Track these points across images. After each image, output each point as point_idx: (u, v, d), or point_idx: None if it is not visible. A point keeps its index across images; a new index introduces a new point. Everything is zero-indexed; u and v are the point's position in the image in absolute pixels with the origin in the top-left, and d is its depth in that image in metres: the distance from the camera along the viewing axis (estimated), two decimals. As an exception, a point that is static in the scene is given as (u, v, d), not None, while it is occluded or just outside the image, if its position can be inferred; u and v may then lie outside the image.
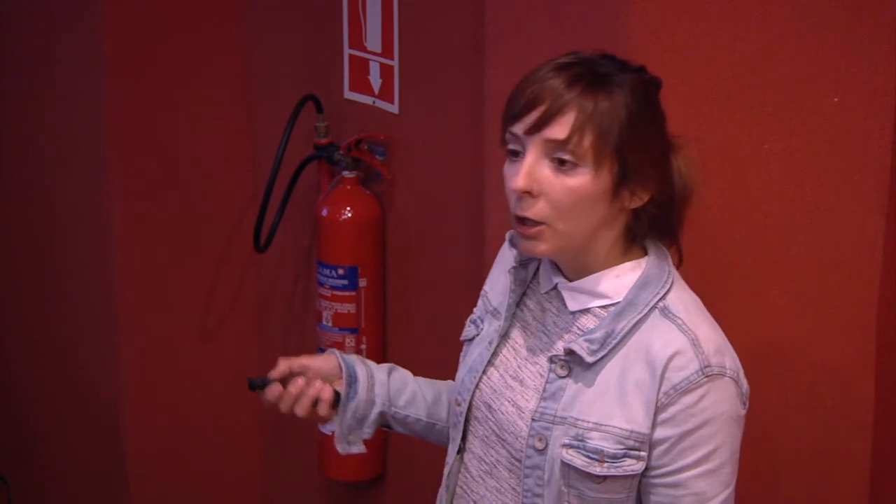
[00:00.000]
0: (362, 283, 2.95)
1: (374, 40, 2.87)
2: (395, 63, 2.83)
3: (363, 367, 2.11)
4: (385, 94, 2.87)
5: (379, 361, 3.00)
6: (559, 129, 1.81)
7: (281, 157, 2.96)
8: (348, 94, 2.96)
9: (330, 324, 2.97)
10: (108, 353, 3.30)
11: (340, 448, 2.10)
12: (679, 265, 1.94)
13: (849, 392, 2.32)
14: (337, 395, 2.06)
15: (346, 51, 2.94)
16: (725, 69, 2.19)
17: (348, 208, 2.93)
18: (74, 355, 3.48)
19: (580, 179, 1.82)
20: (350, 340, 2.97)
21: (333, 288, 2.95)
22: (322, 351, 2.98)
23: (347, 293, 2.95)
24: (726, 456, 1.85)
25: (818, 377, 2.32)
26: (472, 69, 2.58)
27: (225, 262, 3.29)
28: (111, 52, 3.07)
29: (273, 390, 2.04)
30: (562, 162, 1.81)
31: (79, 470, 3.56)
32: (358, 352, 2.96)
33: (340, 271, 2.94)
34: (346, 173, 2.95)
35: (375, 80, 2.88)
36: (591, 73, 1.83)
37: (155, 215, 3.19)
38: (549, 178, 1.82)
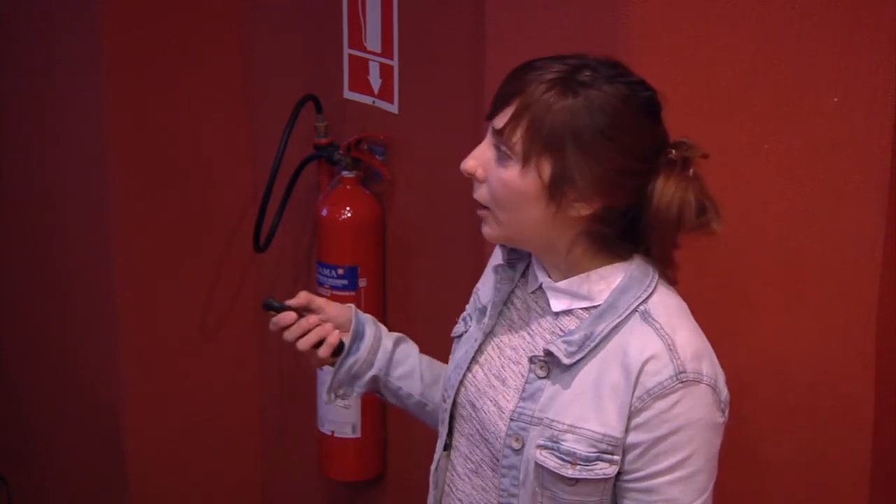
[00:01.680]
0: (362, 283, 2.95)
1: (373, 40, 2.87)
2: (394, 63, 2.83)
3: (373, 328, 2.13)
4: (385, 93, 2.87)
5: (379, 361, 3.02)
6: (500, 119, 1.82)
7: (281, 157, 2.96)
8: (348, 94, 2.96)
9: (330, 324, 2.97)
10: (108, 353, 3.30)
11: (326, 398, 2.14)
12: (674, 283, 1.90)
13: (849, 392, 2.32)
14: (342, 343, 2.09)
15: (346, 51, 2.94)
16: (725, 69, 2.18)
17: (348, 208, 2.93)
18: (74, 355, 3.48)
19: (509, 173, 1.82)
20: (350, 340, 2.96)
21: (333, 288, 2.95)
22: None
23: (347, 293, 2.94)
24: (701, 463, 1.82)
25: (818, 377, 2.31)
26: (472, 69, 2.58)
27: (225, 262, 3.28)
28: (111, 52, 3.06)
29: (287, 316, 2.08)
30: (500, 151, 1.83)
31: (79, 470, 3.56)
32: (358, 352, 2.96)
33: (340, 271, 2.94)
34: (345, 173, 2.95)
35: (375, 80, 2.88)
36: (568, 71, 1.80)
37: (155, 215, 3.19)
38: (491, 165, 1.85)
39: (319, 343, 2.08)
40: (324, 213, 2.95)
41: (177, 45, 3.12)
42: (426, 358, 2.17)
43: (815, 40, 2.18)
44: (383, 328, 2.15)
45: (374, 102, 2.90)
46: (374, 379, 2.12)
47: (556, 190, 1.80)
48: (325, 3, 2.95)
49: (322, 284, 2.97)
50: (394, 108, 2.86)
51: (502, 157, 1.82)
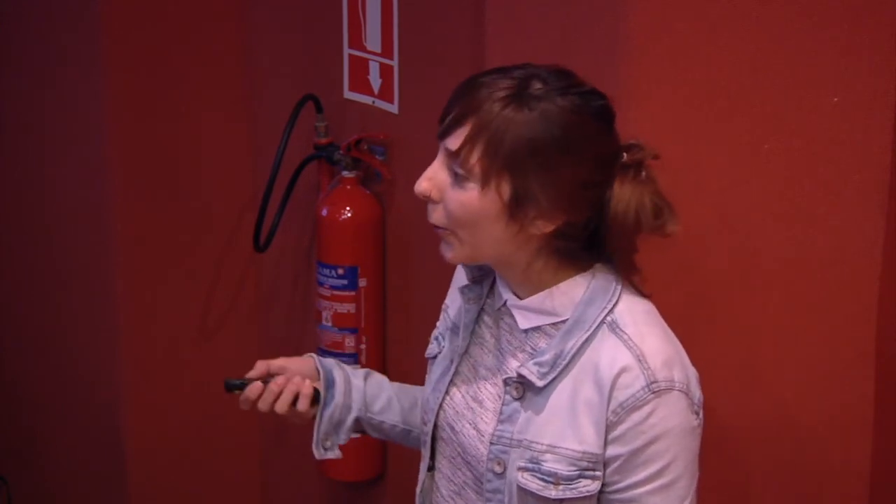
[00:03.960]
0: (362, 282, 2.95)
1: (373, 40, 2.87)
2: (394, 63, 2.83)
3: (340, 372, 2.10)
4: (385, 93, 2.87)
5: (379, 361, 3.03)
6: (454, 141, 1.79)
7: (281, 157, 2.96)
8: (348, 94, 2.96)
9: (330, 324, 2.97)
10: (108, 353, 3.30)
11: (317, 453, 2.08)
12: (647, 295, 1.88)
13: (849, 392, 2.32)
14: (316, 391, 2.06)
15: (346, 51, 2.94)
16: (725, 69, 2.18)
17: (348, 208, 2.93)
18: (74, 355, 3.48)
19: (469, 195, 1.79)
20: (350, 340, 2.97)
21: (333, 288, 2.95)
22: (322, 351, 2.98)
23: (347, 293, 2.94)
24: (680, 469, 1.81)
25: (817, 377, 2.31)
26: (472, 69, 2.57)
27: (225, 262, 3.28)
28: (111, 52, 3.07)
29: (254, 388, 2.03)
30: (456, 173, 1.80)
31: (79, 470, 3.56)
32: (357, 351, 2.96)
33: (340, 271, 2.94)
34: (345, 173, 2.95)
35: (375, 80, 2.88)
36: (519, 87, 1.77)
37: (155, 215, 3.19)
38: (447, 186, 1.82)
39: (296, 401, 2.05)
40: (324, 213, 2.95)
41: (177, 44, 3.12)
42: (397, 384, 2.16)
43: (815, 40, 2.18)
44: (348, 368, 2.13)
45: (374, 102, 2.90)
46: (357, 421, 2.10)
47: (516, 209, 1.78)
48: (325, 3, 2.95)
49: (322, 284, 2.97)
50: (394, 108, 2.86)
51: (459, 180, 1.79)
